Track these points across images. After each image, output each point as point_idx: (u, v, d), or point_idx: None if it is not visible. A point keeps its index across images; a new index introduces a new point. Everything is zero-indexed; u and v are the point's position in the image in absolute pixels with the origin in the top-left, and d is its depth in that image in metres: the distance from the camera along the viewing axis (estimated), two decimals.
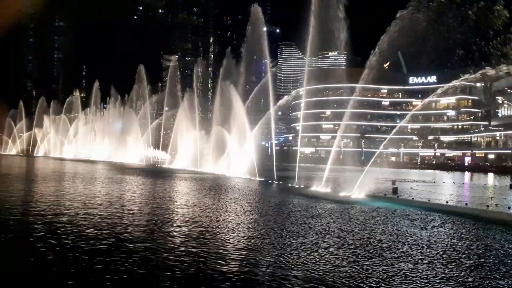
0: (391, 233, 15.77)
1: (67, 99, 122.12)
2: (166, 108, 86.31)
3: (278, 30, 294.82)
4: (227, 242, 13.47)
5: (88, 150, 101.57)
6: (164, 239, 13.71)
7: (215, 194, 28.15)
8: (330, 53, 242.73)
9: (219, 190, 31.44)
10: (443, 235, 15.93)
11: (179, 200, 25.23)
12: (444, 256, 12.58)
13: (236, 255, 11.80)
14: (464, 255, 12.77)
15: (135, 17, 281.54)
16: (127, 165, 72.46)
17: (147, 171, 56.50)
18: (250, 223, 17.30)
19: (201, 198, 26.29)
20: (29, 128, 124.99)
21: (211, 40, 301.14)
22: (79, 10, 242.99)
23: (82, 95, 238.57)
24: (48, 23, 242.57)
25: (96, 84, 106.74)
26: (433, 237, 15.38)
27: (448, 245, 14.19)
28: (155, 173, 50.54)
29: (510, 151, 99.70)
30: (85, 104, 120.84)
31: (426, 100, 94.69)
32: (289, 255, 11.92)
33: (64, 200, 22.89)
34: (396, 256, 12.32)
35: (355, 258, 11.93)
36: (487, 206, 25.34)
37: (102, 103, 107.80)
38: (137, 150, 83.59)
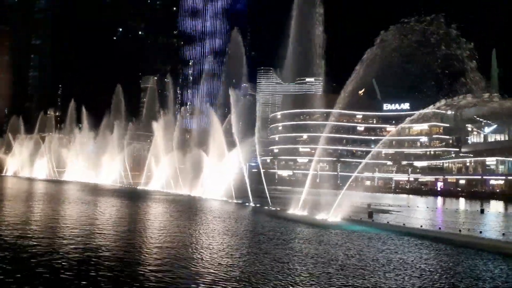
0: (367, 258, 15.77)
1: (39, 118, 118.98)
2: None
3: (256, 55, 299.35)
4: (200, 269, 13.14)
5: (62, 170, 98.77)
6: (134, 266, 13.23)
7: (189, 217, 27.63)
8: (307, 79, 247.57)
9: (193, 212, 30.90)
10: (420, 260, 16.03)
11: (152, 224, 24.61)
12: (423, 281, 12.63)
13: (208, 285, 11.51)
14: (442, 279, 12.87)
15: (115, 38, 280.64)
16: (101, 186, 70.58)
17: (121, 192, 55.10)
18: (224, 248, 16.99)
19: (173, 221, 25.74)
20: (0, 147, 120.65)
21: (190, 63, 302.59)
22: (57, 29, 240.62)
23: (57, 114, 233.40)
24: (24, 41, 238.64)
25: (72, 104, 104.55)
26: (410, 262, 15.46)
27: (426, 270, 14.28)
28: (130, 195, 49.34)
29: (479, 177, 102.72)
30: (59, 124, 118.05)
31: (400, 126, 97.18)
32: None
33: (31, 222, 21.97)
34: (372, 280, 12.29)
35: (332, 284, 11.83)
36: (460, 230, 25.84)
37: (77, 123, 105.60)
38: (111, 171, 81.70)
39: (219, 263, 13.55)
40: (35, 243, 15.61)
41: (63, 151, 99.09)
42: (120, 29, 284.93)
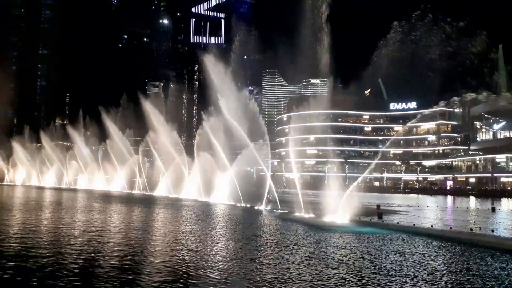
0: (377, 260, 15.62)
1: (48, 127, 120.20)
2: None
3: (262, 58, 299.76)
4: (209, 278, 13.08)
5: (70, 178, 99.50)
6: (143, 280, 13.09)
7: (197, 222, 27.60)
8: (312, 80, 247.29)
9: (202, 217, 30.87)
10: (430, 260, 15.83)
11: (162, 230, 24.60)
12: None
13: None
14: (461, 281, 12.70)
15: (120, 45, 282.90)
16: (111, 193, 70.89)
17: (129, 199, 55.28)
18: (233, 253, 16.92)
19: (182, 227, 25.72)
20: (9, 156, 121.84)
21: (195, 68, 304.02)
22: (63, 38, 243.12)
23: (65, 122, 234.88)
24: (31, 50, 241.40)
25: (80, 113, 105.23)
26: (423, 265, 15.29)
27: (438, 270, 14.09)
28: (138, 201, 49.47)
29: (490, 175, 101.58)
30: (67, 132, 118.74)
31: (408, 125, 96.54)
32: None
33: (39, 230, 22.08)
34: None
35: None
36: (471, 229, 25.53)
37: (85, 131, 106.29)
38: (120, 178, 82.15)
39: (228, 269, 13.51)
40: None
41: (71, 159, 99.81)
42: (125, 36, 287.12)
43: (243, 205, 42.04)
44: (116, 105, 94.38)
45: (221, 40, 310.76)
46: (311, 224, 26.58)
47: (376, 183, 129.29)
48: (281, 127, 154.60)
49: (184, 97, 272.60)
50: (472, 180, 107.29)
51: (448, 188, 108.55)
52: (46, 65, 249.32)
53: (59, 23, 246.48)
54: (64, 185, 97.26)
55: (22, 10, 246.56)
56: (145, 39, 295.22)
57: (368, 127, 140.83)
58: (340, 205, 29.86)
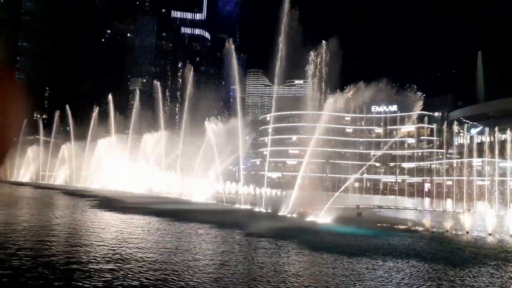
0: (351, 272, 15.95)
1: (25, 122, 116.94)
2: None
3: (246, 57, 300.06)
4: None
5: (48, 174, 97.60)
6: None
7: (174, 220, 27.51)
8: (296, 81, 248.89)
9: (179, 217, 30.76)
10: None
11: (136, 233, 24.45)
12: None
13: None
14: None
15: (103, 39, 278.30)
16: (82, 190, 69.66)
17: (103, 197, 54.52)
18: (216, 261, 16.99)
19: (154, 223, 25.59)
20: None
21: (179, 65, 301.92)
22: (44, 31, 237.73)
23: (44, 117, 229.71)
24: (10, 43, 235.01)
25: (58, 112, 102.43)
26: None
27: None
28: (115, 200, 48.84)
29: (466, 178, 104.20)
30: (46, 127, 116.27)
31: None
32: None
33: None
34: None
35: None
36: (447, 230, 26.28)
37: (64, 127, 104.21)
38: (98, 175, 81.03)
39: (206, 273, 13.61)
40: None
41: (47, 155, 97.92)
42: (108, 31, 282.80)
43: (226, 204, 42.07)
44: (97, 100, 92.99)
45: (204, 16, 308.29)
46: (292, 224, 26.83)
47: (356, 184, 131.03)
48: (264, 127, 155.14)
49: (167, 93, 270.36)
50: (449, 182, 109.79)
51: (426, 190, 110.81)
52: (25, 59, 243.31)
53: (40, 15, 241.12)
54: (39, 181, 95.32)
55: (2, 1, 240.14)
56: (128, 35, 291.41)
57: (349, 129, 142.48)
58: (322, 205, 30.25)
